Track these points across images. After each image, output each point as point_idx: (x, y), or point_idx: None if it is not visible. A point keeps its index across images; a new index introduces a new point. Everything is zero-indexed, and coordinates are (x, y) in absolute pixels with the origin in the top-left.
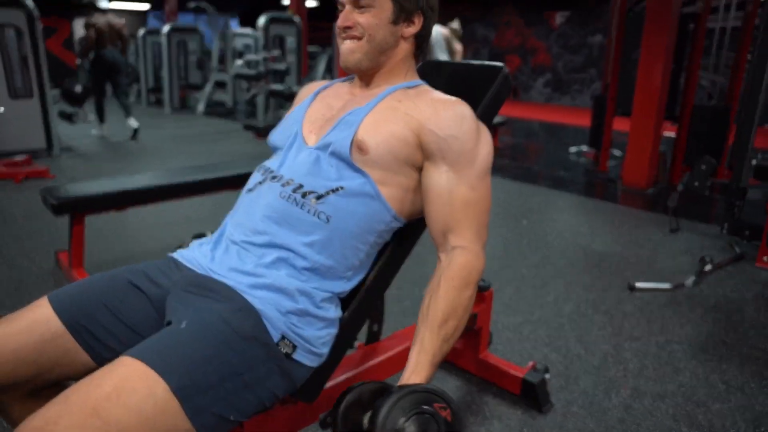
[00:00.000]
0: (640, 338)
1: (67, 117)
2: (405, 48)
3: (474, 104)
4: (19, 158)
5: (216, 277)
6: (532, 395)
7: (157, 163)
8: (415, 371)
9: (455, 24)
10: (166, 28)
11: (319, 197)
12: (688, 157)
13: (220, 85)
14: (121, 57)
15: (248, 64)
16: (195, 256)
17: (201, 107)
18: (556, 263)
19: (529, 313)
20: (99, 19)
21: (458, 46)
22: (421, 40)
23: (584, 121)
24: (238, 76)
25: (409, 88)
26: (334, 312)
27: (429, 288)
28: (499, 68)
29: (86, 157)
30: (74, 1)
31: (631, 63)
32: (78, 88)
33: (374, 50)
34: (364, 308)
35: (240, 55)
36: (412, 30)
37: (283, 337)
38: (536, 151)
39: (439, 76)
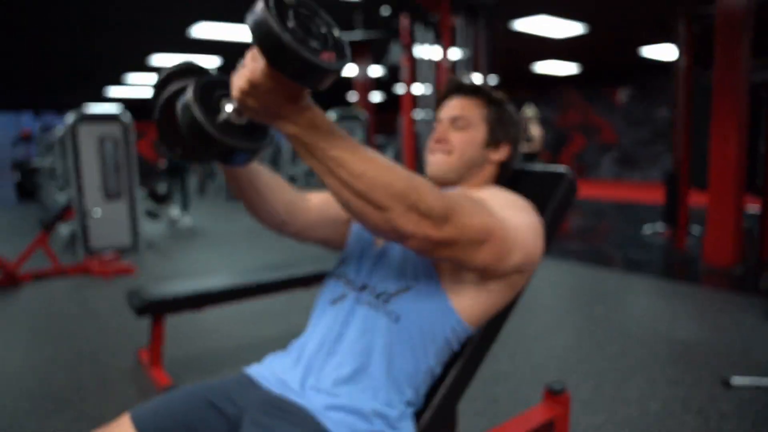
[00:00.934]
0: None
1: (153, 215)
2: (489, 171)
3: (541, 209)
4: (108, 256)
5: (292, 396)
6: None
7: (233, 256)
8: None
9: (530, 110)
10: None
11: (388, 298)
12: None
13: (292, 179)
14: None
15: None
16: (271, 372)
17: None
18: (637, 355)
19: (612, 413)
20: None
21: (537, 131)
22: (505, 169)
23: (656, 196)
24: (308, 172)
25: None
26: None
27: None
28: (563, 174)
29: (167, 253)
30: None
31: (701, 135)
32: (162, 189)
33: (462, 166)
34: (437, 424)
35: None
36: (499, 156)
37: None
38: (608, 232)
39: (506, 182)
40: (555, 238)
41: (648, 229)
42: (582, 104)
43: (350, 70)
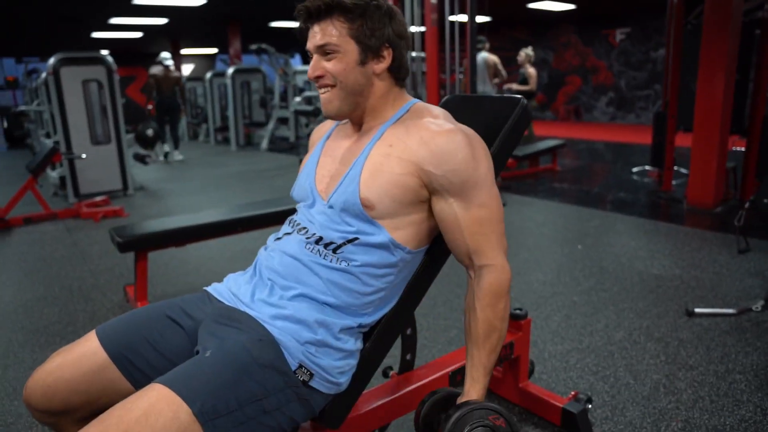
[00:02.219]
0: (697, 367)
1: (141, 159)
2: (381, 84)
3: (495, 136)
4: (98, 199)
5: (242, 308)
6: (572, 426)
7: (220, 199)
8: (472, 385)
9: (528, 50)
10: (230, 70)
11: (337, 248)
12: (760, 172)
13: (283, 121)
14: (176, 100)
15: (306, 100)
16: (226, 288)
17: (264, 144)
18: (610, 289)
19: (578, 341)
20: (157, 70)
21: (531, 70)
22: (397, 70)
23: (650, 138)
24: (297, 113)
25: (396, 121)
26: (353, 344)
27: (465, 307)
28: (517, 100)
29: (157, 195)
30: (149, 52)
31: (693, 76)
32: (150, 132)
33: (349, 94)
34: (384, 339)
35: (301, 91)
36: (383, 65)
37: (300, 366)
38: (598, 173)
39: (462, 110)
40: (548, 181)
41: (636, 170)
42: (579, 45)
43: None
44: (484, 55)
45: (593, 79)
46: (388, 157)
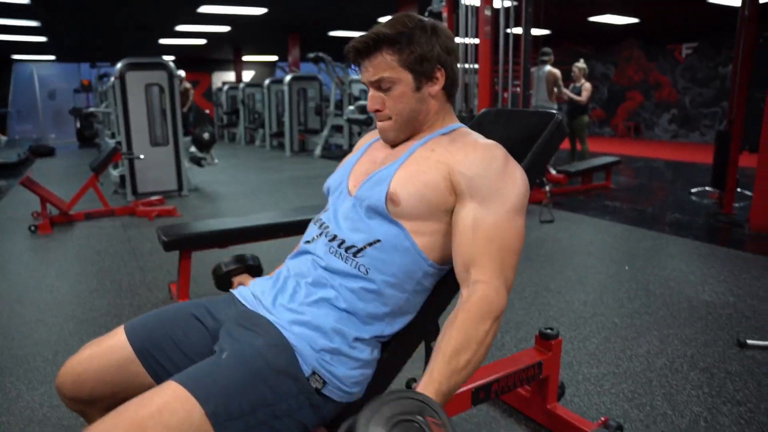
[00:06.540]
0: (745, 403)
1: (197, 161)
2: (435, 103)
3: (529, 150)
4: (153, 198)
5: (263, 312)
6: None
7: (271, 203)
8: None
9: (580, 63)
10: (287, 78)
11: (358, 251)
12: None
13: (337, 128)
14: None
15: (359, 109)
16: (250, 292)
17: (318, 150)
18: (655, 313)
19: (615, 365)
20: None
21: (587, 84)
22: (450, 87)
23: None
24: (350, 121)
25: (443, 134)
26: (369, 354)
27: (447, 320)
28: (552, 115)
29: (210, 197)
30: (213, 58)
31: (762, 94)
32: (206, 136)
33: (407, 121)
34: (403, 350)
35: (356, 100)
36: (437, 87)
37: (314, 373)
38: (655, 192)
39: (497, 123)
40: (593, 196)
41: (696, 191)
42: (642, 60)
43: None
44: (547, 69)
45: (655, 95)
46: (427, 160)
